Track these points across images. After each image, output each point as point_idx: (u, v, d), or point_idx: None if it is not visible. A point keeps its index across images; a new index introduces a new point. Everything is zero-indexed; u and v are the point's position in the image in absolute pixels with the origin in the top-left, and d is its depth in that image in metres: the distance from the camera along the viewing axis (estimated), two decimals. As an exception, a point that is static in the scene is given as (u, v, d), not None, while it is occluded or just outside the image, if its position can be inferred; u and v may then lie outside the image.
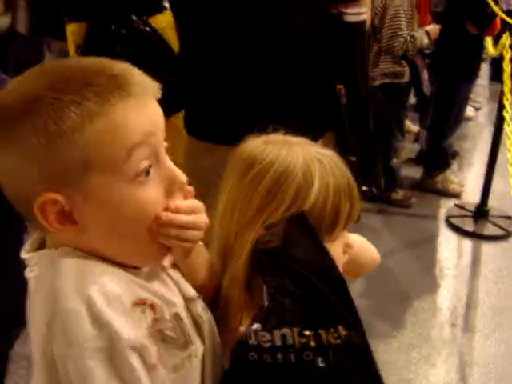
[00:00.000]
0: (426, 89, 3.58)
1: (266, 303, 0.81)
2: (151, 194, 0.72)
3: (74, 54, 1.80)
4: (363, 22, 1.57)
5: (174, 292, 0.82)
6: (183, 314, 0.79)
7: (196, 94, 1.56)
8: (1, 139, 0.70)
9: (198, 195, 1.58)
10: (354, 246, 0.96)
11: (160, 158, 0.74)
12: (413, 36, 3.21)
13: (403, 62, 3.31)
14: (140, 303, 0.72)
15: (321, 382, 0.81)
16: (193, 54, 1.53)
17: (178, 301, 0.80)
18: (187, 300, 0.84)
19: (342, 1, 1.50)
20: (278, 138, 0.93)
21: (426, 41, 3.31)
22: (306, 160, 0.87)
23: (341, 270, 0.86)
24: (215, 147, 1.50)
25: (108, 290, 0.69)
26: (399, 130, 3.46)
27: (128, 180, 0.70)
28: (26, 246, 0.78)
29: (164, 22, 1.84)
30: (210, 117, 1.53)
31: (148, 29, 1.80)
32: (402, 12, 3.22)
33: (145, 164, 0.71)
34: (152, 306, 0.74)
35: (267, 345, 0.80)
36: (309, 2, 1.47)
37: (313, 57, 1.51)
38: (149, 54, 1.79)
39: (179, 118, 1.86)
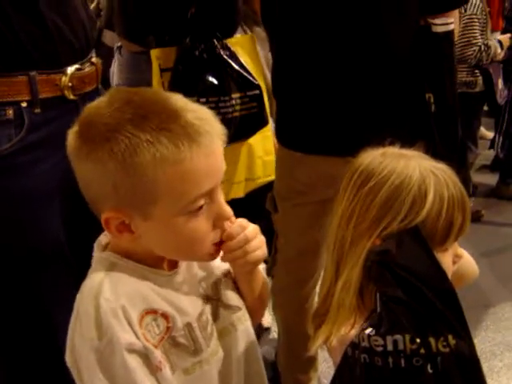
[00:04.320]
0: (500, 99, 3.49)
1: (378, 309, 0.86)
2: (200, 225, 0.83)
3: (158, 78, 1.87)
4: (451, 32, 1.59)
5: (194, 303, 0.90)
6: (195, 324, 0.88)
7: (289, 105, 1.61)
8: (86, 149, 0.79)
9: (291, 203, 1.66)
10: (462, 257, 0.99)
11: (214, 196, 0.84)
12: (487, 45, 3.17)
13: (476, 71, 3.26)
14: (151, 312, 0.84)
15: (428, 387, 0.85)
16: (288, 66, 1.58)
17: (193, 311, 0.89)
18: (227, 307, 0.95)
19: (430, 12, 1.53)
20: (394, 151, 0.98)
21: (498, 50, 3.26)
22: (422, 173, 0.92)
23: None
24: (308, 157, 1.56)
25: (115, 302, 0.81)
26: (472, 140, 3.40)
27: (184, 213, 0.81)
28: (100, 238, 0.91)
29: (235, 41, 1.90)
30: (304, 127, 1.58)
31: (228, 52, 1.84)
32: (475, 20, 3.17)
33: (201, 203, 0.82)
34: (164, 315, 0.85)
35: (379, 349, 0.85)
36: (403, 17, 1.51)
37: (404, 67, 1.55)
38: (230, 79, 1.85)
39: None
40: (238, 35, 1.94)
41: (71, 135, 0.82)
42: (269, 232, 2.23)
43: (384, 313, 0.86)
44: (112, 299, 0.81)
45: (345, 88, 1.50)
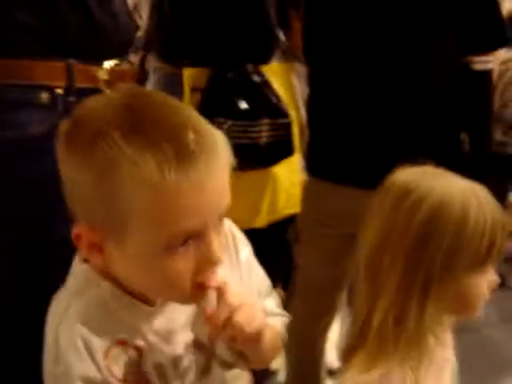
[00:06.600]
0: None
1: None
2: (177, 265, 0.69)
3: (188, 96, 1.86)
4: (491, 71, 1.56)
5: (176, 344, 0.79)
6: (169, 370, 0.78)
7: (323, 134, 1.60)
8: (68, 150, 0.69)
9: (315, 235, 1.62)
10: (495, 280, 0.93)
11: (203, 236, 0.70)
12: None
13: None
14: (121, 343, 0.74)
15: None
16: (325, 95, 1.58)
17: (170, 351, 0.78)
18: (222, 363, 0.83)
19: (470, 52, 1.50)
20: (430, 169, 0.94)
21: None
22: (463, 191, 0.87)
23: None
24: (336, 187, 1.54)
25: (76, 332, 0.72)
26: (501, 200, 3.29)
27: (159, 249, 0.68)
28: None
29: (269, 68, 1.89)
30: (336, 156, 1.56)
31: (261, 78, 1.83)
32: None
33: (179, 242, 0.68)
34: (136, 348, 0.75)
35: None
36: (442, 54, 1.49)
37: (441, 104, 1.52)
38: (261, 105, 1.83)
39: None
40: (275, 63, 1.93)
41: (62, 128, 0.71)
42: (287, 265, 2.19)
43: None
44: (73, 329, 0.72)
45: (381, 121, 1.48)
